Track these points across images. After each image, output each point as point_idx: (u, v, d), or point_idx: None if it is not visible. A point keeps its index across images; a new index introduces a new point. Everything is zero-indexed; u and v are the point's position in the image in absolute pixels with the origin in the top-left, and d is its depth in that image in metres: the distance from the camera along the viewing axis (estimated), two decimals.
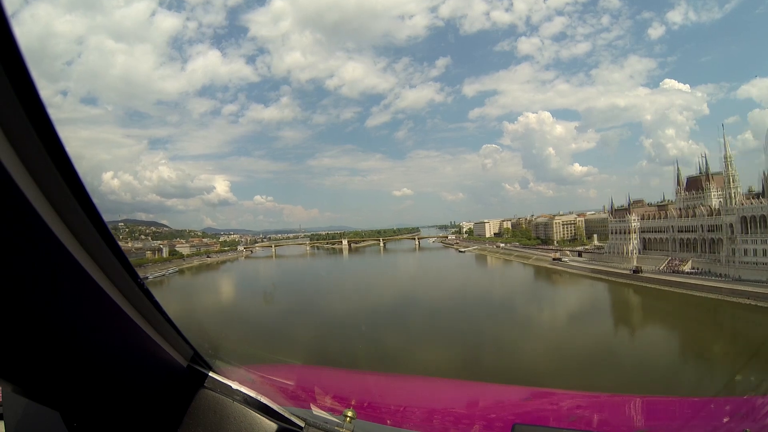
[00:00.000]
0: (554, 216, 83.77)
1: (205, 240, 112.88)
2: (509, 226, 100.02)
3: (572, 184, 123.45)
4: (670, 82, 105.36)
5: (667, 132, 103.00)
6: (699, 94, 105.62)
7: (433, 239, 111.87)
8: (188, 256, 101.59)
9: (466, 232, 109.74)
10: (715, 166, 53.76)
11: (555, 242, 79.99)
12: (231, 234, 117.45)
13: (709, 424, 2.31)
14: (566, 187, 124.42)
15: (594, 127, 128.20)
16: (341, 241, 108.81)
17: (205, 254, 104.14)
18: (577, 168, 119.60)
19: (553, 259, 68.75)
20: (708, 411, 2.46)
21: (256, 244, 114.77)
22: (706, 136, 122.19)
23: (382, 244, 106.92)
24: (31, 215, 0.71)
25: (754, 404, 2.12)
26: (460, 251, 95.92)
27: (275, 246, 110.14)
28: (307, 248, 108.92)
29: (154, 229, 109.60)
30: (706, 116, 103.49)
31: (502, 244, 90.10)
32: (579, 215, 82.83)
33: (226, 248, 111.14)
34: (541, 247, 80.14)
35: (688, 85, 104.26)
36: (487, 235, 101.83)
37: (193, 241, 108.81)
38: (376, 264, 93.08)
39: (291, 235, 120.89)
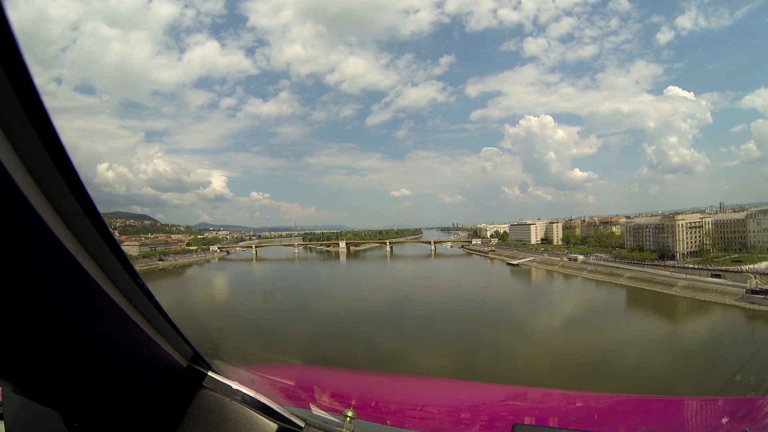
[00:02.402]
0: (675, 215, 54.82)
1: (174, 236, 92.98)
2: (559, 229, 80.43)
3: (571, 190, 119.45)
4: (674, 90, 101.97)
5: (669, 139, 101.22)
6: (703, 102, 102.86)
7: (450, 244, 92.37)
8: (134, 257, 75.85)
9: (493, 236, 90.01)
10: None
11: (678, 255, 51.62)
12: (221, 230, 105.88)
13: (709, 424, 2.36)
14: (565, 192, 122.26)
15: (596, 133, 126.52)
16: (338, 243, 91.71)
17: (158, 256, 79.69)
18: (578, 173, 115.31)
19: (752, 293, 37.92)
20: (708, 411, 2.49)
21: (240, 243, 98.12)
22: (708, 145, 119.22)
23: (388, 248, 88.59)
24: (31, 215, 0.70)
25: (754, 404, 2.15)
26: (509, 264, 69.31)
27: (256, 247, 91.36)
28: (296, 250, 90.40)
29: (133, 222, 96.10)
30: (710, 125, 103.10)
31: (581, 257, 62.89)
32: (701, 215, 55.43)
33: (193, 248, 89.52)
34: (666, 264, 50.29)
35: (692, 93, 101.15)
36: (533, 241, 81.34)
37: (157, 238, 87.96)
38: (391, 279, 66.28)
39: (284, 234, 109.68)
